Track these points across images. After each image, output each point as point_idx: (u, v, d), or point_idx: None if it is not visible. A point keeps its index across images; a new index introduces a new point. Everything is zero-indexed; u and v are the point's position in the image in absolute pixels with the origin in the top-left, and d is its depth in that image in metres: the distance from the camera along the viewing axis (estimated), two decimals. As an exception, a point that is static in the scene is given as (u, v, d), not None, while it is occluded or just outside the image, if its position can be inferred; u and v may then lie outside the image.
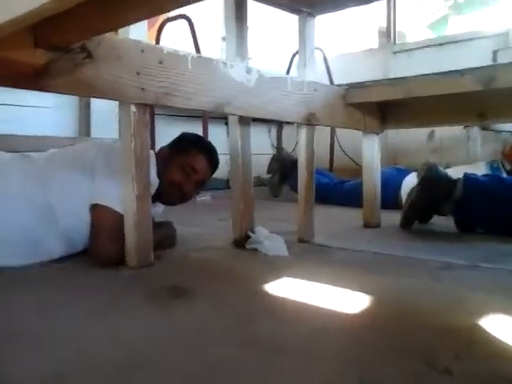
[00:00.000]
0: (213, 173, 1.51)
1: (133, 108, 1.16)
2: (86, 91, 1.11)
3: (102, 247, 1.21)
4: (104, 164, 1.25)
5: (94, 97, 1.19)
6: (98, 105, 3.06)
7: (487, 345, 0.73)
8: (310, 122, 1.63)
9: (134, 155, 1.17)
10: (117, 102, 1.17)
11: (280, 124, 4.27)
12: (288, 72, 3.23)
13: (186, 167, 1.42)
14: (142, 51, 1.17)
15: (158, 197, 1.39)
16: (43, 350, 0.72)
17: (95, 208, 1.23)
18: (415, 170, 2.38)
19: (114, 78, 1.11)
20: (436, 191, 1.80)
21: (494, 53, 3.00)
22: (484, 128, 2.81)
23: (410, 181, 2.27)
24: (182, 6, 0.97)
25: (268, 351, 0.71)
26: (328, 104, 1.73)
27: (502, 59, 2.89)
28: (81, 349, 0.72)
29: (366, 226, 1.94)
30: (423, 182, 1.83)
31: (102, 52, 1.08)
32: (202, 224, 2.03)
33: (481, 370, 0.64)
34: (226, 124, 2.80)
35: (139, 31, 1.20)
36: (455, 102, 1.79)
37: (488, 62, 3.02)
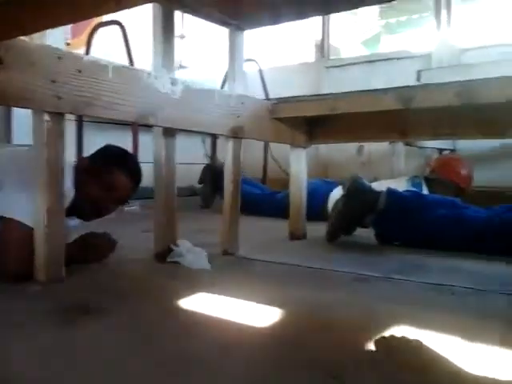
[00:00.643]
0: (135, 189, 1.47)
1: (46, 117, 1.11)
2: (-4, 99, 1.06)
3: (8, 262, 1.15)
4: (14, 174, 1.20)
5: (5, 105, 1.14)
6: (20, 109, 2.91)
7: (395, 355, 0.76)
8: (237, 134, 1.65)
9: (47, 166, 1.13)
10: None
11: (214, 134, 4.28)
12: (223, 84, 3.24)
13: (105, 184, 1.36)
14: (59, 58, 1.13)
15: (74, 210, 1.33)
16: None
17: (2, 221, 1.16)
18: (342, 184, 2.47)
19: (27, 86, 1.07)
20: (360, 203, 1.87)
21: (418, 72, 3.17)
22: (408, 144, 2.95)
23: (337, 193, 2.35)
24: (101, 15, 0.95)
25: (175, 369, 0.70)
26: (256, 118, 1.75)
27: (425, 79, 3.06)
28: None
29: (292, 237, 1.98)
30: (348, 194, 1.89)
31: (12, 58, 1.04)
32: (125, 235, 1.97)
33: (388, 380, 0.67)
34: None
35: (57, 38, 1.15)
36: (380, 119, 1.86)
37: (413, 80, 3.18)
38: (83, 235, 1.36)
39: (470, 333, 0.86)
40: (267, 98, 3.24)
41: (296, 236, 1.98)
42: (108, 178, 1.37)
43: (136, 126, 2.93)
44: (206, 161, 4.06)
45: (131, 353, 0.77)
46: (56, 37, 1.15)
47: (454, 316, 1.01)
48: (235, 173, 1.66)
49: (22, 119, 2.99)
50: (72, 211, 1.31)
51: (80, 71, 1.16)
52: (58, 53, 1.13)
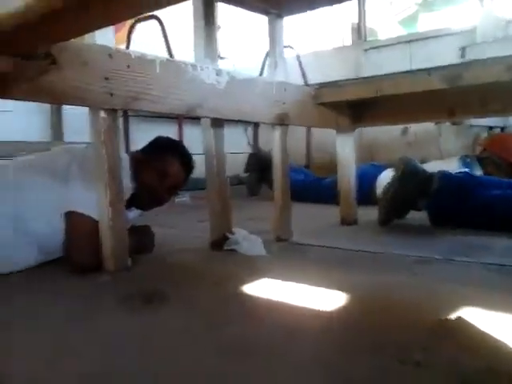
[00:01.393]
0: (187, 177, 1.51)
1: (102, 114, 1.14)
2: (52, 98, 1.10)
3: (77, 254, 1.20)
4: (78, 171, 1.24)
5: (61, 104, 1.18)
6: (69, 108, 3.02)
7: (459, 337, 0.74)
8: (283, 121, 1.64)
9: (106, 161, 1.16)
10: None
11: (256, 123, 4.28)
12: (261, 72, 3.23)
13: (159, 172, 1.41)
14: (110, 56, 1.15)
15: (133, 201, 1.37)
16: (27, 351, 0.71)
17: (70, 215, 1.21)
18: (390, 166, 2.42)
19: (82, 84, 1.10)
20: (413, 185, 1.83)
21: (462, 49, 3.06)
22: (455, 123, 2.86)
23: (385, 176, 2.30)
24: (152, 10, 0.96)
25: (241, 354, 0.71)
26: (299, 104, 1.73)
27: (470, 55, 2.95)
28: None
29: (344, 223, 1.96)
30: (401, 176, 1.85)
31: (67, 58, 1.07)
32: (180, 226, 2.02)
33: (451, 363, 0.66)
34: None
35: (106, 35, 1.18)
36: (425, 98, 1.81)
37: (456, 58, 3.08)
38: (132, 227, 1.40)
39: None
40: (306, 84, 3.21)
41: (347, 221, 1.96)
42: (162, 165, 1.42)
43: (181, 119, 2.97)
44: (249, 150, 4.08)
45: (195, 339, 0.78)
46: (105, 35, 1.18)
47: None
48: (283, 160, 1.66)
49: (70, 118, 3.11)
50: (131, 202, 1.35)
51: (129, 67, 1.19)
52: (109, 51, 1.15)
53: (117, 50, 1.20)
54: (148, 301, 0.98)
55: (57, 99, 1.13)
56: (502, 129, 3.24)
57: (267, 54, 3.65)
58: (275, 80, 1.64)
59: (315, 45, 4.46)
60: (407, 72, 1.78)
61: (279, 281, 1.10)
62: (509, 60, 1.47)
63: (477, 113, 1.98)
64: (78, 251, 1.20)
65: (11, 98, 1.03)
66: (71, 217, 1.21)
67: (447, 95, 1.74)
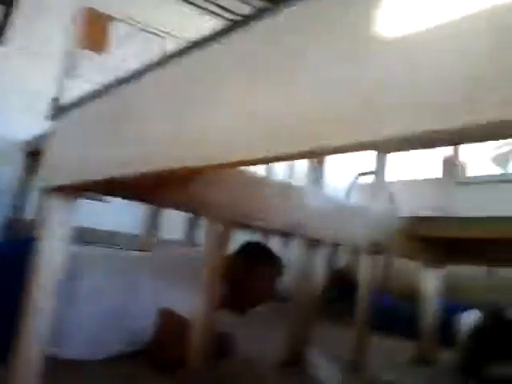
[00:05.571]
0: (279, 279, 1.58)
1: (219, 227, 1.27)
2: (188, 208, 1.25)
3: (166, 350, 1.26)
4: (180, 271, 1.35)
5: (188, 212, 1.34)
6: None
7: None
8: (375, 250, 1.69)
9: (213, 267, 1.26)
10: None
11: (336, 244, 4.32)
12: (348, 194, 3.35)
13: (260, 275, 1.49)
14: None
15: (223, 304, 1.44)
16: None
17: (162, 311, 1.29)
18: (474, 306, 2.34)
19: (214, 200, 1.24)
20: (498, 337, 1.76)
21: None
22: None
23: (469, 317, 2.22)
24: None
25: None
26: (393, 234, 1.79)
27: None
28: None
29: (421, 361, 1.89)
30: (488, 324, 1.79)
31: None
32: (256, 335, 2.03)
33: None
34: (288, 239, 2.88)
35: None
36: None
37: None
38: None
39: None
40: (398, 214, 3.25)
41: (426, 360, 1.89)
42: (261, 268, 1.51)
43: (267, 232, 3.09)
44: (328, 269, 4.09)
45: None
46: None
47: None
48: (369, 288, 1.69)
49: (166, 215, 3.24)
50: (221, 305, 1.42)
51: (252, 186, 1.33)
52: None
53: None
54: None
55: (190, 209, 1.28)
56: None
57: (356, 177, 3.82)
58: (374, 209, 1.73)
59: (407, 174, 4.55)
60: (501, 217, 1.78)
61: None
62: None
63: None
64: (164, 347, 1.25)
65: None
66: (162, 312, 1.28)
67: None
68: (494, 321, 1.79)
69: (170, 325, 1.28)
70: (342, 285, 2.96)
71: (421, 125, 0.53)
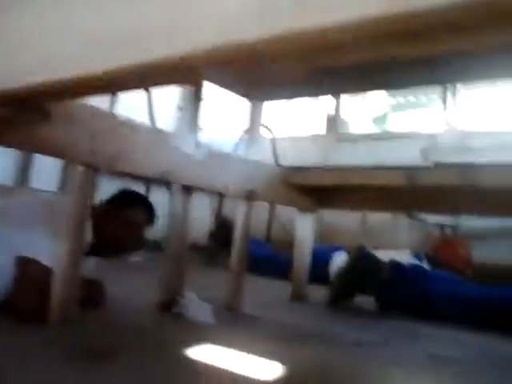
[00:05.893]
0: (150, 228, 1.58)
1: (81, 169, 1.22)
2: (40, 149, 1.18)
3: (26, 301, 1.19)
4: (39, 218, 1.29)
5: (48, 155, 1.26)
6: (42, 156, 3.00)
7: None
8: (250, 197, 1.75)
9: (77, 213, 1.22)
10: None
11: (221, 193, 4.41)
12: (236, 148, 3.39)
13: (124, 221, 1.48)
14: (97, 116, 1.26)
15: (91, 251, 1.42)
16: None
17: (20, 260, 1.22)
18: (346, 249, 2.56)
19: (68, 140, 1.19)
20: (364, 272, 1.95)
21: (424, 151, 3.33)
22: (410, 217, 3.05)
23: (340, 258, 2.42)
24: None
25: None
26: (269, 182, 1.86)
27: (430, 158, 3.21)
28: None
29: (294, 298, 2.03)
30: (354, 262, 1.97)
31: (58, 114, 1.16)
32: (130, 284, 2.04)
33: None
34: (167, 188, 2.87)
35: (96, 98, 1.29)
36: (385, 191, 1.98)
37: (418, 158, 3.34)
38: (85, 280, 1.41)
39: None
40: (278, 165, 3.38)
41: (298, 297, 2.03)
42: (126, 215, 1.49)
43: (149, 182, 3.06)
44: (212, 218, 4.16)
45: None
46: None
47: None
48: (244, 233, 1.75)
49: (39, 164, 3.08)
50: (89, 252, 1.39)
51: (115, 129, 1.29)
52: (97, 111, 1.26)
53: (105, 111, 1.31)
54: (89, 359, 0.99)
55: (45, 151, 1.21)
56: (453, 227, 3.47)
57: (244, 132, 3.88)
58: (249, 158, 1.78)
59: (292, 130, 4.72)
60: (375, 167, 1.94)
61: (224, 348, 1.15)
62: (462, 168, 1.65)
63: (429, 210, 2.16)
64: (27, 298, 1.18)
65: (3, 146, 1.11)
66: (21, 262, 1.21)
67: (404, 191, 1.91)
68: (358, 260, 1.97)
69: (29, 274, 1.21)
70: (226, 232, 3.05)
71: (225, 35, 0.55)
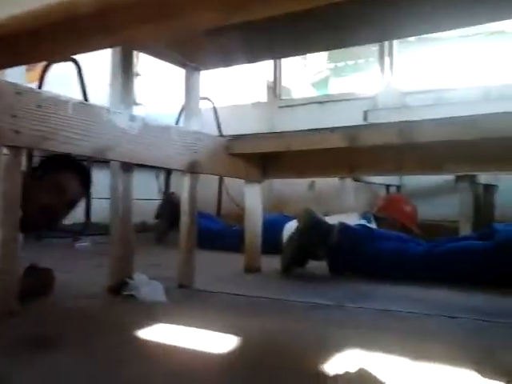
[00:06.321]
0: (85, 192, 1.48)
1: (5, 150, 1.13)
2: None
3: None
4: None
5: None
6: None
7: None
8: (194, 169, 1.70)
9: (4, 199, 1.13)
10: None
11: (168, 170, 4.31)
12: (177, 121, 3.30)
13: (54, 186, 1.37)
14: (19, 94, 1.15)
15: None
16: None
17: None
18: (296, 218, 2.55)
19: (-14, 120, 1.08)
20: (314, 236, 1.95)
21: (365, 113, 3.37)
22: (356, 180, 3.10)
23: (291, 226, 2.42)
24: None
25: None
26: (211, 153, 1.81)
27: (371, 119, 3.26)
28: None
29: (247, 270, 2.02)
30: (303, 227, 1.97)
31: (-28, 93, 1.05)
32: (78, 270, 1.96)
33: None
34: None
35: (17, 73, 1.18)
36: (329, 155, 1.97)
37: (360, 121, 3.38)
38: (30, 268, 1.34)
39: (416, 353, 0.93)
40: (221, 135, 3.33)
41: (251, 269, 2.02)
42: (59, 179, 1.38)
43: (90, 162, 2.92)
44: (160, 196, 4.07)
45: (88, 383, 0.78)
46: (15, 72, 1.18)
47: (400, 338, 1.07)
48: (191, 207, 1.70)
49: None
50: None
51: (40, 106, 1.19)
52: (18, 88, 1.15)
53: (27, 88, 1.21)
54: (35, 348, 0.94)
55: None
56: (398, 187, 3.56)
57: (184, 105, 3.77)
58: (190, 129, 1.71)
59: (233, 99, 4.65)
60: (314, 130, 1.93)
61: (177, 326, 1.12)
62: (400, 126, 1.67)
63: (372, 171, 2.19)
64: None
65: None
66: None
67: (348, 153, 1.91)
68: (307, 225, 1.97)
69: None
70: (172, 209, 2.98)
71: None
